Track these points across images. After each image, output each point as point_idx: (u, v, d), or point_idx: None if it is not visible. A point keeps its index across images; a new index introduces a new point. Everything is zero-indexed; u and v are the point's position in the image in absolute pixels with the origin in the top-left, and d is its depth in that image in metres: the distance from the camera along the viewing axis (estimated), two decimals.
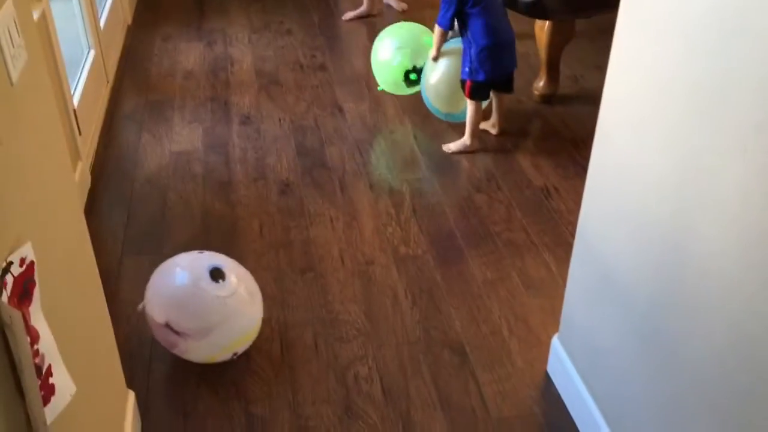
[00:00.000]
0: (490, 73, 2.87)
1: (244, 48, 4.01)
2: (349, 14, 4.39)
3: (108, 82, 3.51)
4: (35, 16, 2.28)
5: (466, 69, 2.89)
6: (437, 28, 2.92)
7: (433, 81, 3.05)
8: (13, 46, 1.18)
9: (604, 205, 1.74)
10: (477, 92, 2.93)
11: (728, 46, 1.20)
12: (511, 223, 2.68)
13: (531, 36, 3.71)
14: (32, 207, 1.21)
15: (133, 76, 3.71)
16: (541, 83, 3.41)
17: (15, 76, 1.18)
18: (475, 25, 2.81)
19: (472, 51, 2.84)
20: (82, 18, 3.22)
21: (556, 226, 2.65)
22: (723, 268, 1.27)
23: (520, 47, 3.96)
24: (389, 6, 4.54)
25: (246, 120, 3.33)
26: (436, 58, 3.01)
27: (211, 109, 3.41)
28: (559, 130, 3.25)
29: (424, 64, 3.10)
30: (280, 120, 3.34)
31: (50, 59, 2.48)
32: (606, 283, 1.72)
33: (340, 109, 3.43)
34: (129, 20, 4.28)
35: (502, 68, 2.92)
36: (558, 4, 2.99)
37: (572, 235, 2.06)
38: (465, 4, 2.80)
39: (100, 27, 3.43)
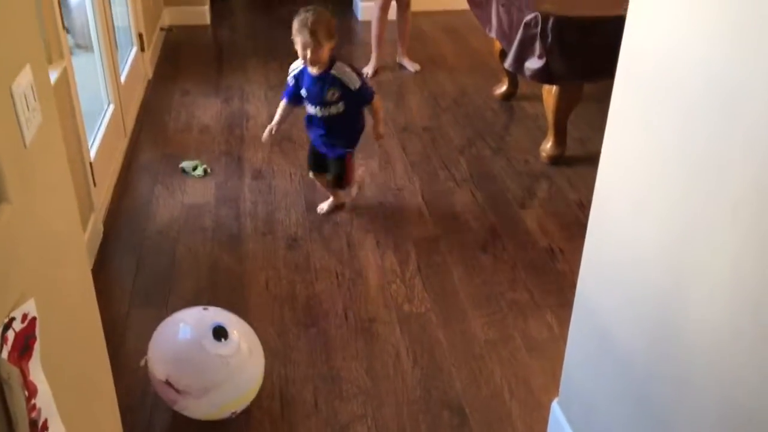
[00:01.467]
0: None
1: (259, 104, 4.11)
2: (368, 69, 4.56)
3: (126, 135, 3.61)
4: (56, 73, 2.38)
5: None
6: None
7: None
8: (29, 110, 1.24)
9: (601, 270, 1.76)
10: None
11: (722, 124, 1.24)
12: (515, 283, 2.69)
13: (539, 97, 3.78)
14: (39, 264, 1.25)
15: (150, 130, 3.81)
16: (548, 145, 3.46)
17: (29, 138, 1.23)
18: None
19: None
20: (104, 74, 3.34)
21: (560, 287, 2.66)
22: (714, 340, 1.28)
23: (530, 108, 4.06)
24: (402, 66, 4.65)
25: (258, 175, 3.40)
26: None
27: (224, 164, 3.48)
28: (565, 192, 3.28)
29: None
30: (291, 175, 3.40)
31: (69, 114, 2.56)
32: (604, 348, 1.73)
33: None
34: (150, 74, 4.42)
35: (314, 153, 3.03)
36: (564, 70, 3.05)
37: None
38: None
39: (120, 82, 3.55)
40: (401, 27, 4.58)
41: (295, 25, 2.68)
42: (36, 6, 2.25)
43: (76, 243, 1.54)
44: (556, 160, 3.46)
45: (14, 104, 1.18)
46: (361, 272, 2.74)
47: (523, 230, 3.00)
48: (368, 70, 4.51)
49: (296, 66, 2.85)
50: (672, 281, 1.41)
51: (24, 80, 1.23)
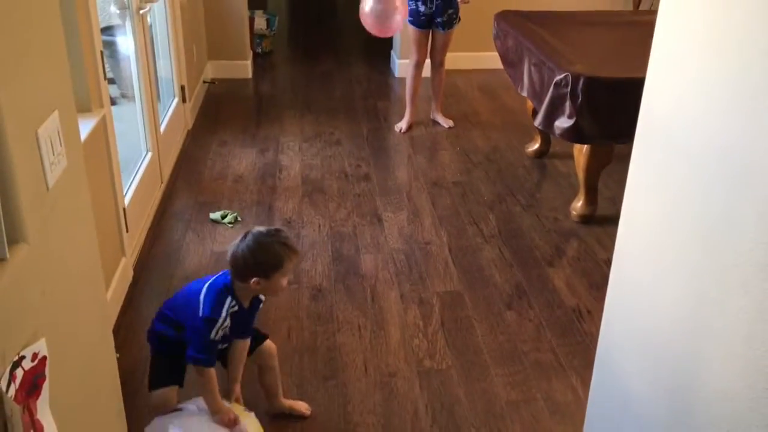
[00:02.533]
0: None
1: (293, 156, 4.18)
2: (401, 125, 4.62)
3: (162, 182, 3.70)
4: (95, 121, 2.47)
5: None
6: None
7: None
8: (54, 154, 1.29)
9: (620, 334, 1.72)
10: None
11: (736, 195, 1.22)
12: (540, 342, 2.64)
13: (571, 156, 3.78)
14: (54, 305, 1.28)
15: (186, 178, 3.90)
16: (579, 203, 3.44)
17: (52, 181, 1.28)
18: None
19: None
20: (143, 123, 3.45)
21: (586, 349, 2.60)
22: (733, 409, 1.23)
23: (562, 167, 4.05)
24: (436, 122, 4.70)
25: (287, 224, 3.43)
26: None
27: (255, 213, 3.53)
28: (594, 251, 3.24)
29: None
30: (319, 226, 3.43)
31: (105, 161, 2.64)
32: (624, 412, 1.68)
33: (379, 219, 3.51)
34: (190, 125, 4.55)
35: None
36: (594, 130, 3.05)
37: None
38: None
39: (160, 131, 3.66)
40: (435, 84, 4.64)
41: (293, 260, 2.04)
42: (76, 57, 2.35)
43: (95, 286, 1.57)
44: (587, 219, 3.43)
45: (39, 147, 1.23)
46: (384, 325, 2.72)
47: (551, 288, 2.95)
48: (402, 125, 4.57)
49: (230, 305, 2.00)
50: (689, 348, 1.38)
51: (51, 125, 1.28)
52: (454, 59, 5.68)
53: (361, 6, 3.81)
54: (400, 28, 4.02)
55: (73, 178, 1.38)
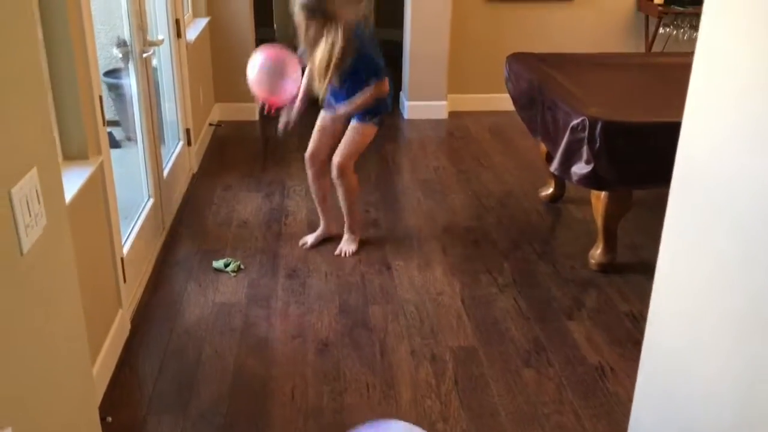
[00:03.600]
0: None
1: (300, 200, 4.07)
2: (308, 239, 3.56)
3: (164, 228, 3.58)
4: (92, 168, 2.35)
5: None
6: None
7: None
8: (30, 215, 1.16)
9: (656, 402, 1.56)
10: None
11: None
12: (561, 404, 2.47)
13: (587, 201, 3.64)
14: (27, 390, 1.14)
15: (189, 224, 3.78)
16: (597, 251, 3.29)
17: (27, 245, 1.15)
18: None
19: None
20: (146, 168, 3.34)
21: (611, 411, 2.42)
22: None
23: (578, 213, 3.91)
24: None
25: (292, 273, 3.30)
26: None
27: (259, 261, 3.40)
28: (615, 303, 3.08)
29: None
30: (326, 275, 3.29)
31: (103, 210, 2.53)
32: None
33: (388, 267, 3.37)
34: (194, 168, 4.45)
35: None
36: (613, 176, 2.92)
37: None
38: None
39: (163, 176, 3.55)
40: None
41: None
42: (73, 103, 2.25)
43: (78, 362, 1.42)
44: (606, 267, 3.27)
45: (12, 209, 1.11)
46: (394, 384, 2.56)
47: (571, 344, 2.79)
48: (308, 238, 3.55)
49: None
50: (737, 420, 1.22)
51: (28, 184, 1.16)
52: (464, 101, 5.62)
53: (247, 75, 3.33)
54: (293, 93, 3.25)
55: (53, 239, 1.26)
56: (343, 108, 3.22)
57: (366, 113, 3.25)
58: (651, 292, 3.13)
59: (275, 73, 3.20)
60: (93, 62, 2.43)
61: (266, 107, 3.31)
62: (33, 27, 1.22)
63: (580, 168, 2.93)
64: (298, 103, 3.34)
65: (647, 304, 3.09)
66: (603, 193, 3.14)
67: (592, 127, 2.84)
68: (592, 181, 2.93)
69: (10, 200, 1.10)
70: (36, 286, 1.19)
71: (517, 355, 2.72)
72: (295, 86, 3.22)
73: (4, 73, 1.09)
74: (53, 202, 1.26)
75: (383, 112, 3.33)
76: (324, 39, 3.05)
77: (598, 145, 2.83)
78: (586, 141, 2.86)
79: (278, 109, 3.37)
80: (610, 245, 3.27)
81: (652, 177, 2.95)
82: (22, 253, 1.13)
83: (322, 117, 3.40)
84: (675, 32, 5.40)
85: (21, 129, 1.15)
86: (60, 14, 2.17)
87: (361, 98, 3.16)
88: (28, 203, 1.15)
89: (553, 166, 3.07)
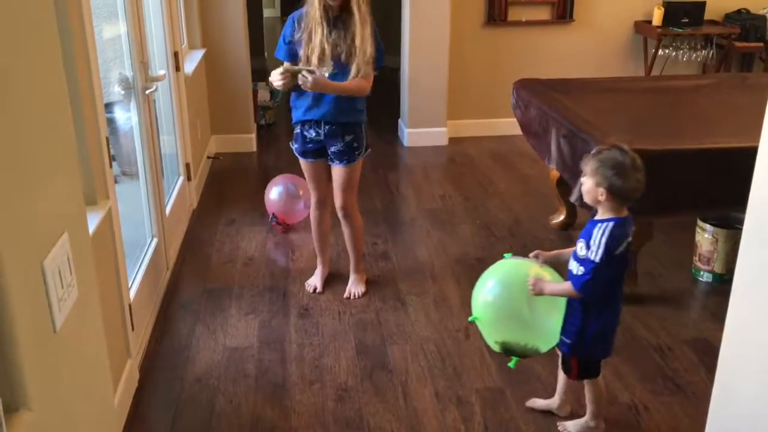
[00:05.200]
0: (603, 352, 2.29)
1: (305, 233, 3.95)
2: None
3: (168, 268, 3.45)
4: (101, 214, 2.24)
5: (569, 341, 2.23)
6: (570, 289, 2.17)
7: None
8: (63, 287, 1.05)
9: None
10: (587, 371, 2.31)
11: None
12: None
13: None
14: None
15: (193, 262, 3.66)
16: None
17: (60, 320, 1.04)
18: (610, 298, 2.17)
19: (590, 326, 2.19)
20: (149, 207, 3.22)
21: None
22: None
23: None
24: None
25: (304, 312, 3.18)
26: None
27: (269, 300, 3.28)
28: (641, 335, 2.98)
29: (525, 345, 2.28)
30: (339, 313, 3.18)
31: (111, 258, 2.41)
32: None
33: (403, 302, 3.26)
34: (195, 203, 4.33)
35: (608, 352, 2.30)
36: (636, 205, 2.82)
37: None
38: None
39: (165, 214, 3.43)
40: (347, 239, 3.34)
41: None
42: (80, 146, 2.14)
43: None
44: (627, 298, 3.16)
45: (46, 284, 0.99)
46: (420, 431, 2.44)
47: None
48: (315, 282, 3.38)
49: None
50: None
51: (60, 252, 1.05)
52: (464, 127, 5.56)
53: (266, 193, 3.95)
54: (305, 214, 3.55)
55: (85, 312, 1.14)
56: (330, 83, 2.87)
57: (357, 151, 3.06)
58: (675, 323, 3.06)
59: (291, 198, 3.83)
60: (99, 101, 2.32)
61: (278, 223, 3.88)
62: (63, 85, 1.11)
63: None
64: (280, 80, 2.87)
65: (673, 335, 3.03)
66: None
67: None
68: None
69: (43, 273, 0.99)
70: (69, 365, 1.08)
71: (546, 395, 2.61)
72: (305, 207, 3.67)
73: (37, 131, 0.99)
74: (84, 268, 1.15)
75: (368, 145, 3.14)
76: (352, 18, 2.79)
77: None
78: None
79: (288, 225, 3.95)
80: (630, 275, 3.17)
81: (677, 206, 2.88)
82: (55, 330, 1.02)
83: (311, 166, 3.15)
84: (674, 54, 5.38)
85: (52, 190, 1.05)
86: (67, 55, 2.07)
87: (354, 84, 2.88)
88: (60, 274, 1.04)
89: (574, 197, 2.98)
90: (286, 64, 2.90)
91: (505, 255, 2.40)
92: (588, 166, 2.16)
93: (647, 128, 3.20)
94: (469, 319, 2.38)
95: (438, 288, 3.38)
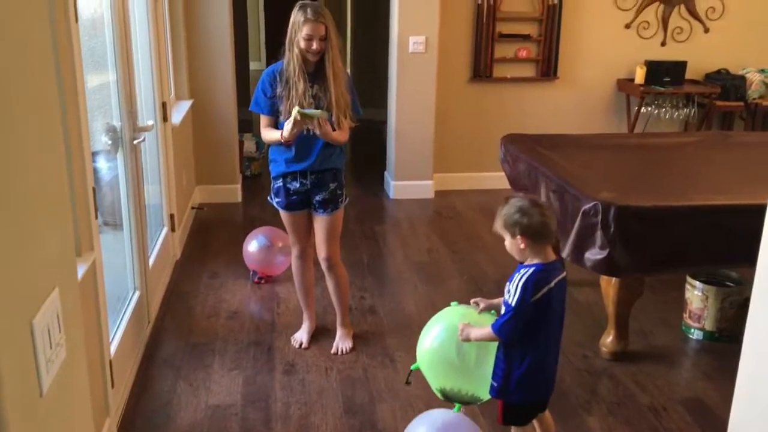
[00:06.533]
0: (530, 396, 2.29)
1: (291, 286, 3.87)
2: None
3: (149, 321, 3.36)
4: (85, 267, 2.17)
5: (495, 384, 2.27)
6: (490, 333, 2.22)
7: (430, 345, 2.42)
8: (51, 347, 0.99)
9: None
10: (513, 416, 2.32)
11: None
12: None
13: (589, 283, 3.55)
14: None
15: (175, 316, 3.56)
16: (608, 339, 3.16)
17: (47, 383, 0.97)
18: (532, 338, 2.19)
19: (514, 370, 2.21)
20: (132, 259, 3.15)
21: None
22: None
23: (580, 296, 3.80)
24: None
25: (290, 369, 3.09)
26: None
27: (253, 356, 3.19)
28: (634, 393, 2.93)
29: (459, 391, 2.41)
30: (326, 369, 3.09)
31: (93, 312, 2.33)
32: None
33: (391, 359, 3.19)
34: (178, 255, 4.25)
35: (549, 390, 2.34)
36: (629, 262, 2.82)
37: None
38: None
39: (149, 267, 3.35)
40: (332, 292, 3.28)
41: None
42: (70, 198, 2.08)
43: None
44: (619, 356, 3.14)
45: (34, 344, 0.93)
46: None
47: None
48: (301, 337, 3.30)
49: None
50: None
51: (50, 309, 0.99)
52: (450, 180, 5.57)
53: (244, 247, 3.93)
54: (286, 265, 3.74)
55: (72, 374, 1.08)
56: (330, 131, 2.89)
57: (339, 198, 3.08)
58: (668, 382, 3.01)
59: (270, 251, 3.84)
60: (87, 153, 2.28)
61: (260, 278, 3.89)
62: (59, 135, 1.07)
63: (593, 254, 2.83)
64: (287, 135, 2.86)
65: (667, 395, 2.97)
66: (614, 279, 3.03)
67: (606, 212, 2.76)
68: (607, 267, 2.83)
69: (32, 333, 0.93)
70: (54, 427, 1.00)
71: None
72: (286, 260, 3.75)
73: (32, 180, 0.94)
74: (72, 326, 1.09)
75: (346, 192, 3.16)
76: (328, 66, 2.86)
77: (612, 230, 2.75)
78: (599, 226, 2.77)
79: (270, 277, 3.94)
80: (621, 332, 3.14)
81: (668, 263, 2.87)
82: (41, 395, 0.95)
83: (294, 218, 3.12)
84: (657, 111, 5.47)
85: (45, 243, 0.99)
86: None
87: (341, 134, 2.94)
88: (49, 333, 0.98)
89: (565, 253, 2.96)
90: (296, 108, 2.85)
91: (452, 303, 2.52)
92: (497, 225, 2.24)
93: (635, 184, 3.21)
94: (411, 367, 2.51)
95: None
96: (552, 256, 2.24)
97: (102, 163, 3.66)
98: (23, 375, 0.90)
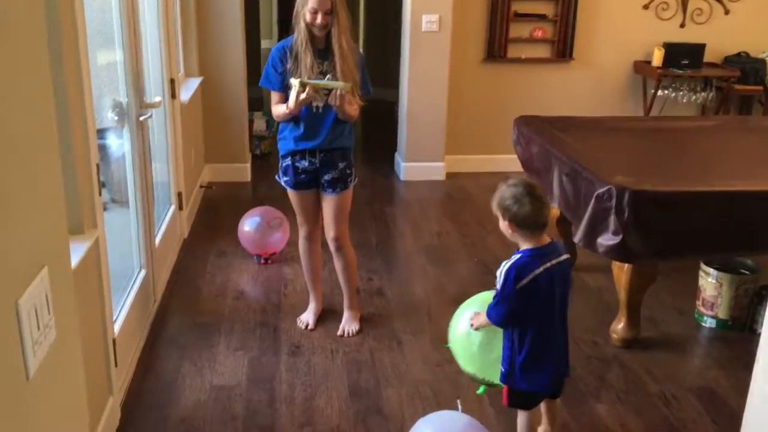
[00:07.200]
0: (535, 384, 2.27)
1: (298, 267, 3.83)
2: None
3: (155, 300, 3.34)
4: (88, 244, 2.13)
5: (503, 370, 2.27)
6: (484, 319, 2.27)
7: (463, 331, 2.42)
8: (39, 329, 0.95)
9: None
10: (518, 401, 2.31)
11: None
12: None
13: (600, 268, 3.49)
14: None
15: (181, 295, 3.54)
16: (619, 326, 3.10)
17: (34, 366, 0.93)
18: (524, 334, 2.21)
19: (516, 356, 2.23)
20: (138, 238, 3.12)
21: None
22: None
23: (591, 281, 3.74)
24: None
25: (296, 350, 3.06)
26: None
27: (259, 336, 3.16)
28: (644, 381, 2.88)
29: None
30: (332, 352, 3.06)
31: (96, 291, 2.30)
32: None
33: (399, 342, 3.15)
34: (186, 233, 4.22)
35: (551, 377, 2.30)
36: (643, 248, 2.76)
37: None
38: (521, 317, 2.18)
39: (155, 245, 3.33)
40: (339, 274, 3.25)
41: None
42: (68, 172, 2.05)
43: None
44: (630, 343, 3.09)
45: (20, 325, 0.89)
46: None
47: (604, 431, 2.58)
48: (307, 318, 3.26)
49: None
50: None
51: (38, 289, 0.95)
52: (462, 162, 5.50)
53: (239, 231, 3.89)
54: (282, 245, 3.85)
55: (62, 356, 1.04)
56: (345, 103, 2.82)
57: (349, 178, 3.04)
58: (679, 370, 2.96)
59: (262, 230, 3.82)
60: (91, 130, 2.23)
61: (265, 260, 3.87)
62: (50, 109, 1.03)
63: (606, 239, 2.77)
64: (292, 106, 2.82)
65: (678, 383, 2.92)
66: (627, 265, 2.97)
67: (620, 197, 2.69)
68: (620, 253, 2.77)
69: (18, 314, 0.89)
70: (43, 416, 0.97)
71: None
72: (282, 237, 3.82)
73: (16, 158, 0.89)
74: (64, 307, 1.05)
75: (355, 172, 3.12)
76: (334, 41, 2.80)
77: (626, 215, 2.68)
78: (613, 211, 2.71)
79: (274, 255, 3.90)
80: (633, 319, 3.09)
81: (683, 249, 2.80)
82: (28, 378, 0.91)
83: (302, 197, 3.07)
84: (673, 95, 5.36)
85: (33, 220, 0.95)
86: (59, 81, 1.99)
87: (354, 109, 2.89)
88: (37, 314, 0.94)
89: (577, 237, 2.90)
90: (295, 81, 2.77)
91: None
92: (493, 204, 2.26)
93: (651, 169, 3.14)
94: (444, 345, 2.55)
95: (434, 327, 3.27)
96: (545, 240, 2.24)
97: (112, 140, 3.63)
98: (7, 357, 0.87)
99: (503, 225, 2.23)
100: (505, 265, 2.20)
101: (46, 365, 0.97)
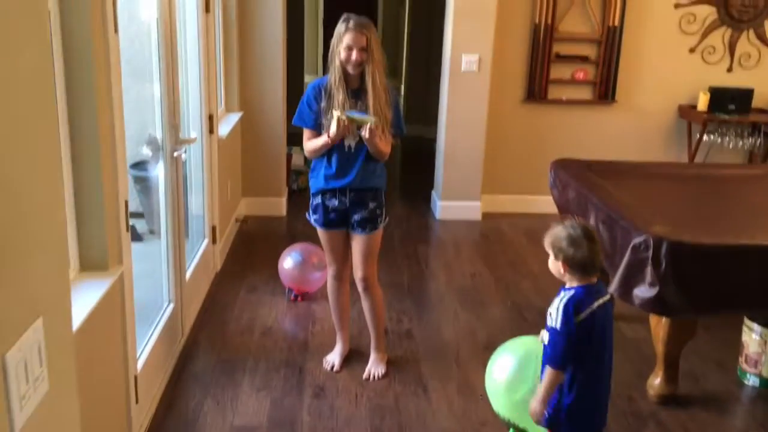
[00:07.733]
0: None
1: (327, 306, 3.79)
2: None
3: (182, 335, 3.33)
4: (112, 279, 2.13)
5: (546, 415, 2.19)
6: (547, 374, 2.17)
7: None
8: (28, 382, 0.92)
9: None
10: None
11: None
12: None
13: (639, 318, 3.36)
14: None
15: (209, 329, 3.53)
16: (656, 381, 2.97)
17: (20, 421, 0.90)
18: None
19: (564, 399, 2.17)
20: (168, 271, 3.13)
21: None
22: None
23: (628, 331, 3.61)
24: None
25: (320, 392, 3.01)
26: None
27: (284, 376, 3.12)
28: None
29: None
30: (357, 396, 3.00)
31: (119, 327, 2.29)
32: None
33: (425, 388, 3.07)
34: (218, 266, 4.24)
35: (595, 428, 2.28)
36: (680, 302, 2.64)
37: None
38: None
39: (185, 278, 3.33)
40: (367, 313, 3.19)
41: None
42: (96, 208, 2.06)
43: None
44: (667, 399, 2.95)
45: (6, 380, 0.87)
46: None
47: None
48: (333, 359, 3.22)
49: None
50: None
51: (30, 341, 0.92)
52: (498, 202, 5.43)
53: (280, 264, 3.86)
54: (322, 281, 3.71)
55: (56, 408, 1.01)
56: (372, 137, 2.80)
57: (379, 219, 3.01)
58: (719, 430, 2.81)
59: (305, 267, 3.79)
60: (122, 164, 2.25)
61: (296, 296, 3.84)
62: (55, 144, 1.02)
63: (642, 291, 2.66)
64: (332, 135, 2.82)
65: None
66: (664, 318, 2.85)
67: (657, 248, 2.60)
68: (656, 306, 2.66)
69: (4, 368, 0.86)
70: None
71: None
72: (322, 277, 3.71)
73: (10, 201, 0.88)
74: (59, 359, 1.03)
75: (387, 213, 3.08)
76: (368, 78, 2.80)
77: (664, 267, 2.58)
78: (649, 262, 2.61)
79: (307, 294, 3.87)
80: (671, 375, 2.95)
81: (723, 305, 2.68)
82: None
83: (332, 236, 3.06)
84: (719, 140, 5.22)
85: (27, 266, 0.93)
86: (89, 115, 2.01)
87: (385, 145, 2.88)
88: (26, 368, 0.92)
89: (613, 288, 2.80)
90: (337, 112, 2.78)
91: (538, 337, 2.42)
92: (546, 240, 2.23)
93: (692, 219, 3.03)
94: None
95: (463, 374, 3.19)
96: (593, 280, 2.19)
97: (151, 173, 3.68)
98: None
99: (555, 264, 2.20)
100: (560, 302, 2.14)
101: (35, 420, 0.94)
